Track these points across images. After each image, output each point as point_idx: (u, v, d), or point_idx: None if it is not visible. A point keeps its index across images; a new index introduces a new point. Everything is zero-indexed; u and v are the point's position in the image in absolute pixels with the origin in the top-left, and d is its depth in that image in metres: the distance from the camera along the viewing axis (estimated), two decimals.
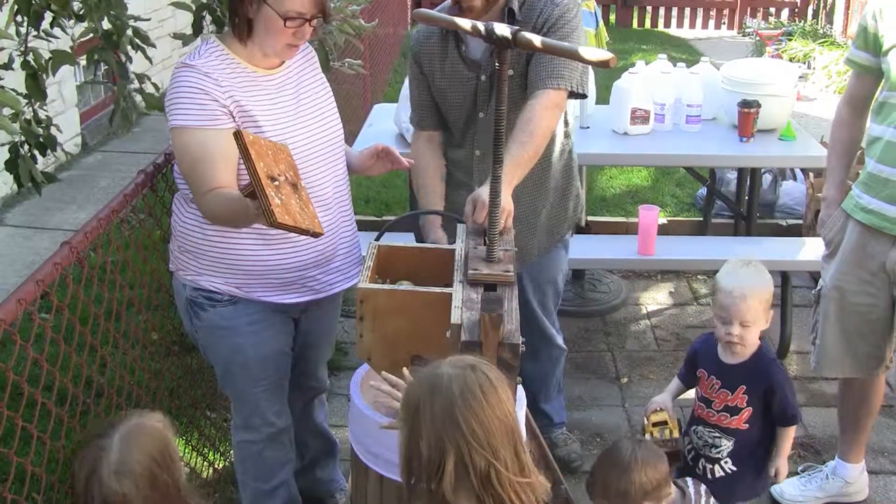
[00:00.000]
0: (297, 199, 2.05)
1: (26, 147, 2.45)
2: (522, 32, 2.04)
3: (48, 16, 2.40)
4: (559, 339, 3.06)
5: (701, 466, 2.67)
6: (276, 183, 1.99)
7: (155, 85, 2.70)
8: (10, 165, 2.45)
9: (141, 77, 2.64)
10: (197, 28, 2.76)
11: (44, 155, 2.49)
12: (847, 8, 9.25)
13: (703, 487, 2.53)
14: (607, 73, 5.62)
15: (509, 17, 2.66)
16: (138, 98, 2.62)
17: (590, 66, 2.72)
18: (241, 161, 2.05)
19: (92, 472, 1.66)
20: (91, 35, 2.47)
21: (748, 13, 11.04)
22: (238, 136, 1.98)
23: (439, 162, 2.90)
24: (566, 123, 2.91)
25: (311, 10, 2.27)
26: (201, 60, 2.31)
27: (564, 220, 2.97)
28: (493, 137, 2.12)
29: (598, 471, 2.22)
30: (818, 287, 3.00)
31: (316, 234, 2.04)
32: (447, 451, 1.54)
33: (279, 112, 2.37)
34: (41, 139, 2.44)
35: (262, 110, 2.33)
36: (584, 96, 2.72)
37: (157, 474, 1.69)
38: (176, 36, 2.84)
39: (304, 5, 2.25)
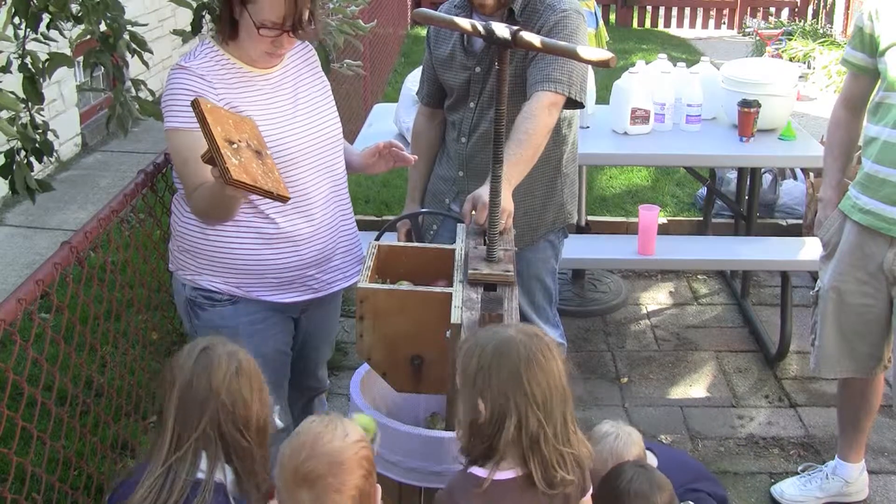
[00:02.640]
0: (259, 164, 2.04)
1: (22, 154, 2.44)
2: (522, 33, 2.04)
3: (46, 18, 2.39)
4: (553, 335, 3.04)
5: None
6: (235, 146, 1.98)
7: (151, 91, 2.70)
8: (5, 171, 2.44)
9: (136, 83, 2.63)
10: (196, 27, 2.76)
11: (40, 161, 2.48)
12: (847, 8, 9.25)
13: None
14: (607, 73, 5.63)
15: (509, 17, 2.67)
16: (135, 104, 2.62)
17: (590, 73, 2.72)
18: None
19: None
20: (89, 36, 2.47)
21: (748, 13, 11.05)
22: (195, 104, 1.98)
23: (432, 140, 3.04)
24: (559, 131, 2.83)
25: (286, 20, 2.25)
26: (196, 62, 2.31)
27: (545, 218, 2.94)
28: (493, 136, 2.13)
29: (596, 494, 2.23)
30: (816, 288, 3.00)
31: (281, 198, 2.03)
32: (509, 410, 1.67)
33: (275, 111, 2.37)
34: (37, 145, 2.44)
35: (257, 110, 2.33)
36: (581, 106, 2.71)
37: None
38: (175, 32, 2.84)
39: (278, 15, 2.24)
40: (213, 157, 1.96)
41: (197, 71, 2.29)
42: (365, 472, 1.64)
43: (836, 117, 2.95)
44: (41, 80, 2.38)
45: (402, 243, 2.74)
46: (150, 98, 2.67)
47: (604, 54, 2.00)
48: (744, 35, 10.70)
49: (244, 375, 1.75)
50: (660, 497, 2.14)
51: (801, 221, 4.92)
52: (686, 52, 9.18)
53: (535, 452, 1.69)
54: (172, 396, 1.71)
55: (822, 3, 10.20)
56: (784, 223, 5.08)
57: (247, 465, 1.72)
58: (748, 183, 4.32)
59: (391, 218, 4.11)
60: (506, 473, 1.73)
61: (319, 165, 2.44)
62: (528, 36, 2.04)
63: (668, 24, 11.43)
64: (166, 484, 1.65)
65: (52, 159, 2.56)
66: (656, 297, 4.64)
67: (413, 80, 3.81)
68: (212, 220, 2.32)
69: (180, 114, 2.26)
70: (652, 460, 2.48)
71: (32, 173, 2.49)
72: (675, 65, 4.17)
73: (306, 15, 2.28)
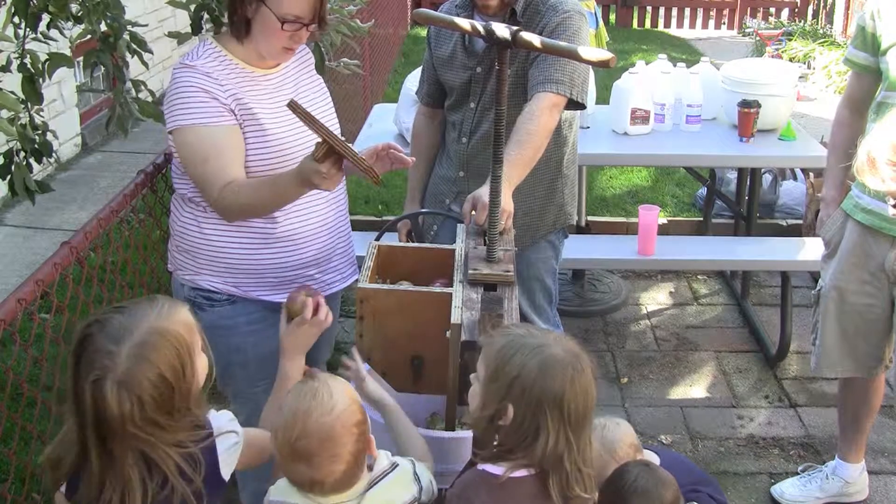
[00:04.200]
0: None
1: (21, 154, 2.44)
2: (522, 33, 2.04)
3: (46, 17, 2.39)
4: None
5: None
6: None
7: (151, 91, 2.70)
8: (4, 172, 2.44)
9: (137, 84, 2.63)
10: (196, 28, 2.76)
11: (39, 162, 2.48)
12: (847, 8, 9.25)
13: None
14: (607, 73, 5.62)
15: (511, 18, 2.67)
16: (135, 106, 2.62)
17: (591, 74, 2.71)
18: (312, 131, 2.05)
19: (96, 379, 1.50)
20: (89, 37, 2.47)
21: (748, 13, 11.04)
22: (295, 105, 2.00)
23: (432, 140, 3.04)
24: (560, 132, 2.83)
25: (309, 14, 2.27)
26: (200, 61, 2.31)
27: (545, 219, 2.94)
28: (492, 136, 2.13)
29: (601, 495, 2.21)
30: (818, 287, 3.00)
31: (377, 178, 2.09)
32: (543, 427, 1.66)
33: (279, 110, 2.37)
34: (37, 146, 2.43)
35: (263, 108, 2.34)
36: (583, 106, 2.71)
37: (166, 392, 1.54)
38: (171, 34, 2.84)
39: (303, 9, 2.25)
40: (328, 151, 1.99)
41: (203, 69, 2.29)
42: (357, 436, 1.68)
43: (839, 117, 2.95)
44: (41, 80, 2.38)
45: (402, 243, 2.74)
46: (150, 99, 2.67)
47: (604, 54, 1.99)
48: (744, 35, 10.70)
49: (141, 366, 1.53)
50: (665, 494, 2.14)
51: (801, 222, 4.92)
52: (686, 53, 9.17)
53: (558, 468, 1.68)
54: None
55: (822, 4, 10.19)
56: (784, 223, 5.07)
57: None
58: (748, 183, 4.33)
59: (391, 218, 4.10)
60: (519, 472, 1.72)
61: None
62: (527, 36, 2.04)
63: (668, 24, 11.42)
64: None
65: (52, 160, 2.56)
66: (656, 297, 4.64)
67: (413, 80, 3.81)
68: (249, 216, 2.32)
69: (193, 110, 2.26)
70: (654, 460, 2.48)
71: (32, 174, 2.49)
72: (675, 65, 4.17)
73: (327, 8, 2.29)
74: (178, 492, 1.57)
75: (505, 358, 1.70)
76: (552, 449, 1.67)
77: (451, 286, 2.12)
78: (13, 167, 2.42)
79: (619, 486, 2.16)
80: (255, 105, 2.33)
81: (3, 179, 2.45)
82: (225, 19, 2.60)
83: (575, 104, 2.67)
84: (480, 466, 1.74)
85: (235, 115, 2.29)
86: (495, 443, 1.75)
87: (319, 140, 2.01)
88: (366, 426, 1.72)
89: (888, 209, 2.27)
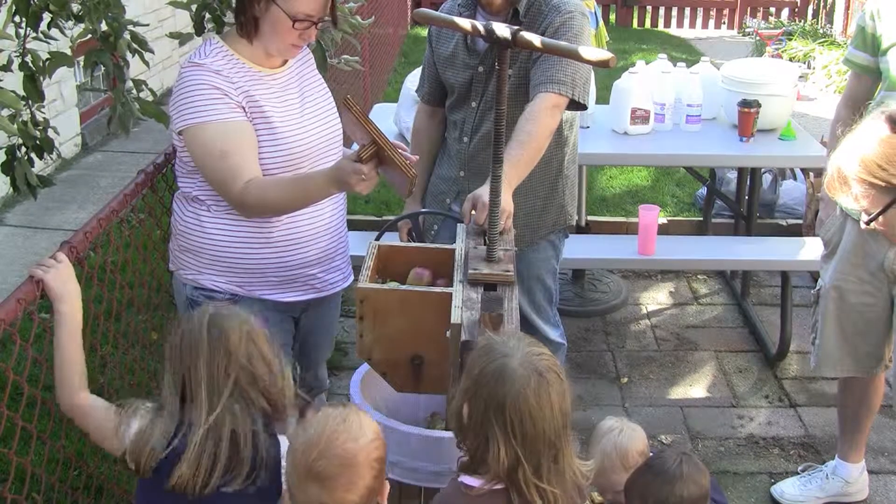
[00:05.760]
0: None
1: (23, 150, 2.44)
2: (522, 32, 2.04)
3: (46, 17, 2.39)
4: (553, 335, 3.04)
5: None
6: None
7: (152, 91, 2.70)
8: (6, 168, 2.45)
9: (138, 83, 2.63)
10: (199, 28, 2.76)
11: (41, 158, 2.49)
12: (847, 8, 9.25)
13: None
14: (607, 73, 5.62)
15: (513, 17, 2.67)
16: (136, 105, 2.62)
17: (591, 74, 2.71)
18: (358, 129, 2.06)
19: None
20: (89, 36, 2.47)
21: (748, 13, 11.04)
22: (351, 103, 2.00)
23: (433, 139, 3.03)
24: (561, 132, 2.83)
25: (320, 12, 2.28)
26: (209, 59, 2.32)
27: (546, 219, 2.94)
28: (493, 136, 2.13)
29: (638, 478, 2.20)
30: (817, 287, 3.00)
31: (414, 178, 2.10)
32: (490, 435, 1.64)
33: (288, 109, 2.38)
34: (38, 142, 2.44)
35: (272, 106, 2.35)
36: (584, 107, 2.71)
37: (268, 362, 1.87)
38: (172, 35, 2.84)
39: (314, 8, 2.27)
40: (374, 153, 2.01)
41: (212, 66, 2.30)
42: (376, 473, 1.68)
43: (838, 117, 2.95)
44: (41, 78, 2.39)
45: (402, 243, 2.74)
46: (150, 98, 2.67)
47: (604, 54, 2.00)
48: (744, 35, 10.70)
49: (254, 333, 1.88)
50: (704, 482, 2.14)
51: (801, 221, 4.92)
52: (686, 52, 9.17)
53: (513, 482, 1.66)
54: (199, 367, 1.81)
55: (822, 3, 10.20)
56: (784, 223, 5.07)
57: (277, 406, 1.87)
58: (748, 183, 4.33)
59: (391, 218, 4.10)
60: (495, 485, 1.70)
61: (325, 164, 2.44)
62: (527, 36, 2.04)
63: (668, 24, 11.43)
64: (210, 440, 1.77)
65: (53, 156, 2.56)
66: (656, 297, 4.64)
67: (413, 80, 3.80)
68: (272, 214, 2.33)
69: (207, 108, 2.26)
70: None
71: (33, 170, 2.49)
72: (675, 65, 4.17)
73: (338, 4, 2.32)
74: (249, 457, 1.78)
75: (474, 359, 1.72)
76: (503, 461, 1.63)
77: (451, 286, 2.12)
78: (15, 163, 2.42)
79: (661, 470, 2.14)
80: (265, 103, 2.33)
81: (6, 175, 2.45)
82: (227, 19, 2.61)
83: (576, 105, 2.67)
84: (460, 479, 1.73)
85: (246, 113, 2.30)
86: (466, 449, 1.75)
87: (368, 141, 2.01)
88: (384, 466, 1.72)
89: (860, 224, 2.20)
